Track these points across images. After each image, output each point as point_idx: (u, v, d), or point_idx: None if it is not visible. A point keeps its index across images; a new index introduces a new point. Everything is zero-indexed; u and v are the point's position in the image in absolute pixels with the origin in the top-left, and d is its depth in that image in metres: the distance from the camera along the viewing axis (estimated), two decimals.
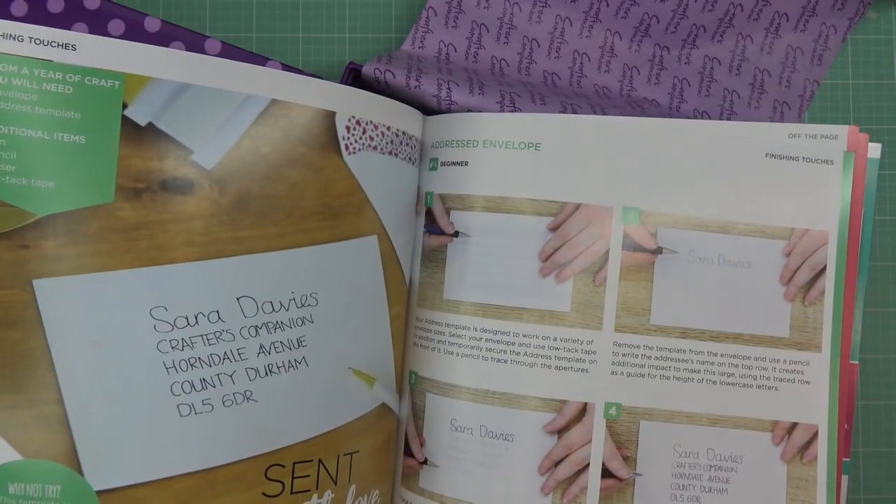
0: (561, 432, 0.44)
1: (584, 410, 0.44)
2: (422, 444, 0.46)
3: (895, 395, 0.55)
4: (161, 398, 0.38)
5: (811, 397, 0.44)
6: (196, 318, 0.39)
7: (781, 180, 0.45)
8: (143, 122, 0.38)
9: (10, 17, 0.51)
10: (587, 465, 0.44)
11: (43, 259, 0.36)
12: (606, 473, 0.44)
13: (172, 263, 0.38)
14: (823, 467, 0.44)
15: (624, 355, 0.44)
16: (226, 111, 0.40)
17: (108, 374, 0.37)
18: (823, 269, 0.45)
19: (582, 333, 0.44)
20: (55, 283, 0.37)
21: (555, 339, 0.44)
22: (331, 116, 0.42)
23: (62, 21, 0.51)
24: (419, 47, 0.54)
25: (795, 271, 0.45)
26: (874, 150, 0.45)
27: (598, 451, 0.44)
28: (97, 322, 0.37)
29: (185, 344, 0.39)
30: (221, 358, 0.39)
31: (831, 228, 0.45)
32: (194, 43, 0.51)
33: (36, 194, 0.36)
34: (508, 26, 0.55)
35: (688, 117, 0.56)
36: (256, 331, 0.40)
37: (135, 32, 0.51)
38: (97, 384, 0.37)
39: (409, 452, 0.47)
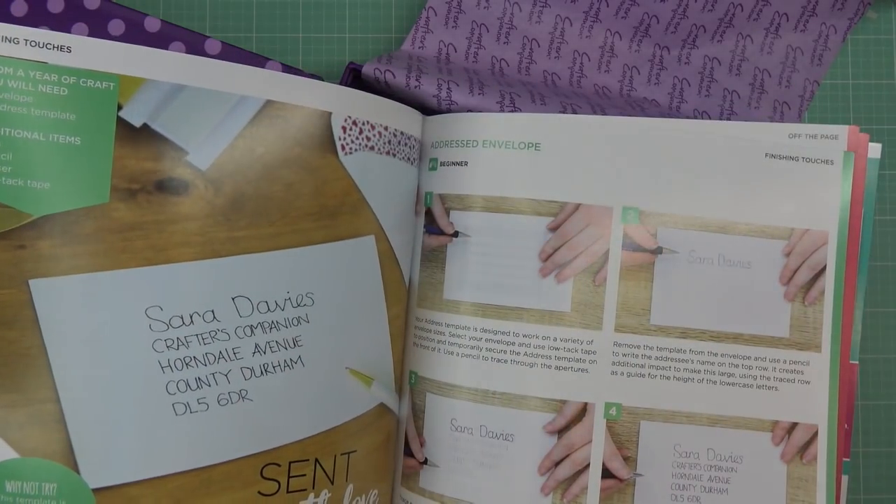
0: (561, 432, 0.44)
1: (584, 410, 0.44)
2: (422, 444, 0.46)
3: (895, 395, 0.55)
4: (156, 397, 0.38)
5: (811, 397, 0.44)
6: (191, 317, 0.39)
7: (781, 180, 0.45)
8: (138, 124, 0.38)
9: (10, 17, 0.51)
10: (587, 466, 0.44)
11: (39, 259, 0.37)
12: (607, 474, 0.44)
13: (168, 263, 0.39)
14: (823, 467, 0.44)
15: (624, 355, 0.44)
16: (221, 112, 0.40)
17: (104, 373, 0.38)
18: (823, 269, 0.45)
19: (582, 333, 0.44)
20: (51, 283, 0.37)
21: (555, 339, 0.44)
22: (326, 117, 0.42)
23: (62, 21, 0.51)
24: (419, 47, 0.54)
25: (795, 271, 0.45)
26: (874, 150, 0.45)
27: (599, 451, 0.44)
28: (93, 322, 0.37)
29: (180, 343, 0.39)
30: (216, 357, 0.40)
31: (831, 228, 0.45)
32: (194, 43, 0.51)
33: (32, 195, 0.36)
34: (508, 26, 0.55)
35: (688, 117, 0.56)
36: (252, 330, 0.40)
37: (135, 32, 0.51)
38: (93, 383, 0.37)
39: (409, 452, 0.47)
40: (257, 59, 0.51)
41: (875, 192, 0.46)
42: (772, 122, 0.56)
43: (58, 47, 0.37)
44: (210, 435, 0.39)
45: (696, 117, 0.56)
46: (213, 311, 0.39)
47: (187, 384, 0.39)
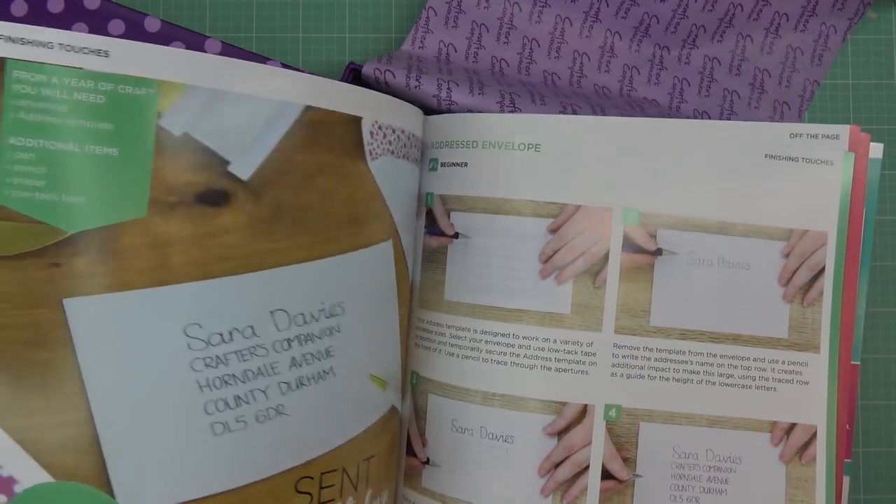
0: (561, 434, 0.44)
1: (583, 412, 0.44)
2: (424, 444, 0.46)
3: (895, 395, 0.55)
4: (194, 418, 0.37)
5: (810, 398, 0.44)
6: (231, 334, 0.38)
7: (780, 181, 0.45)
8: (178, 132, 0.36)
9: (9, 17, 0.51)
10: (587, 467, 0.44)
11: (74, 277, 0.35)
12: (606, 475, 0.44)
13: (207, 279, 0.37)
14: (822, 468, 0.44)
15: (624, 357, 0.44)
16: (262, 119, 0.38)
17: (141, 394, 0.36)
18: (822, 270, 0.45)
19: (582, 335, 0.44)
20: (86, 302, 0.35)
21: (555, 341, 0.44)
22: (357, 122, 0.41)
23: (62, 21, 0.51)
24: (419, 47, 0.54)
25: (794, 272, 0.45)
26: (876, 150, 0.45)
27: (598, 452, 0.44)
28: (129, 341, 0.36)
29: (219, 361, 0.38)
30: (255, 374, 0.38)
31: (830, 229, 0.45)
32: (194, 43, 0.51)
33: (67, 210, 0.35)
34: (508, 26, 0.55)
35: (688, 117, 0.56)
36: (289, 344, 0.39)
37: (135, 32, 0.51)
38: (129, 405, 0.36)
39: (411, 452, 0.47)
40: (257, 60, 0.51)
41: (877, 192, 0.46)
42: (772, 122, 0.56)
43: (94, 51, 0.35)
44: (248, 453, 0.38)
45: (696, 117, 0.56)
46: (252, 327, 0.38)
47: (226, 403, 0.38)
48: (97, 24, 0.51)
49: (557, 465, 0.44)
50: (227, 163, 0.37)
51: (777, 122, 0.56)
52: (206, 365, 0.37)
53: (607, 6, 0.55)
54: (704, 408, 0.44)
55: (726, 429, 0.44)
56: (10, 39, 0.34)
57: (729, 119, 0.56)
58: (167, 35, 0.51)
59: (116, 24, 0.51)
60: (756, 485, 0.44)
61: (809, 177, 0.45)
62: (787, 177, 0.45)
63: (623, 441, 0.44)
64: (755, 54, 0.56)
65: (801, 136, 0.45)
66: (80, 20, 0.51)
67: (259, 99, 0.38)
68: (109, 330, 0.35)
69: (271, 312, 0.39)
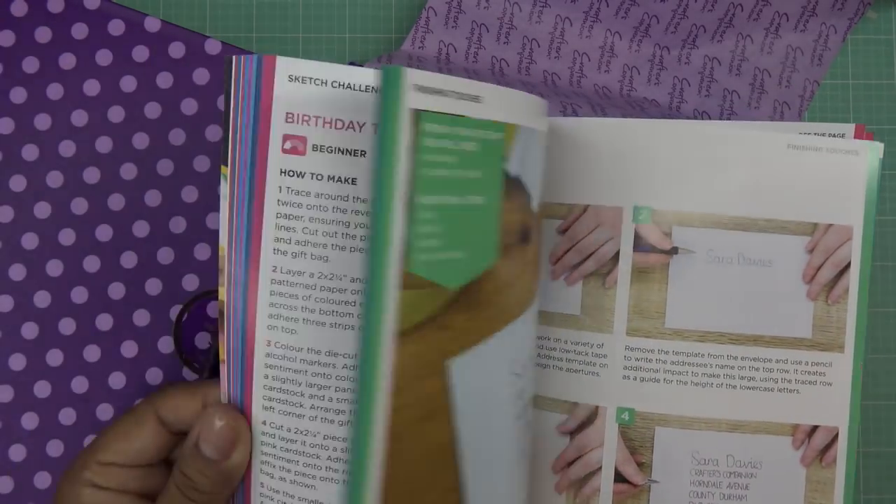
0: (573, 434, 0.43)
1: (595, 413, 0.43)
2: None
3: (895, 395, 0.55)
4: (513, 448, 0.37)
5: (832, 399, 0.44)
6: (525, 364, 0.38)
7: (803, 173, 0.44)
8: (514, 174, 0.35)
9: (9, 17, 0.50)
10: (600, 468, 0.43)
11: (456, 338, 0.33)
12: (620, 478, 0.43)
13: (521, 315, 0.37)
14: (842, 469, 0.44)
15: (637, 359, 0.43)
16: (540, 151, 0.38)
17: (493, 444, 0.35)
18: (847, 266, 0.44)
19: (592, 336, 0.44)
20: (467, 361, 0.33)
21: (566, 342, 0.44)
22: None
23: (62, 21, 0.50)
24: (419, 47, 0.54)
25: (818, 269, 0.44)
26: (878, 149, 0.45)
27: (611, 455, 0.43)
28: (484, 390, 0.35)
29: (522, 392, 0.38)
30: (529, 395, 0.39)
31: (856, 223, 0.44)
32: (194, 43, 0.51)
33: (452, 267, 0.32)
34: (508, 26, 0.54)
35: (688, 117, 0.56)
36: (533, 364, 0.41)
37: (135, 32, 0.51)
38: (487, 457, 0.35)
39: None
40: None
41: (878, 191, 0.46)
42: (772, 121, 0.56)
43: (471, 97, 0.33)
44: (526, 475, 0.40)
45: (696, 117, 0.56)
46: (538, 355, 0.39)
47: (524, 430, 0.38)
48: (97, 24, 0.51)
49: (570, 464, 0.43)
50: (532, 199, 0.37)
51: (777, 122, 0.56)
52: (518, 398, 0.37)
53: (607, 6, 0.55)
54: (725, 412, 0.43)
55: (747, 433, 0.43)
56: (423, 89, 0.31)
57: (729, 119, 0.56)
58: (167, 35, 0.51)
59: (116, 24, 0.51)
60: (776, 489, 0.43)
61: (834, 168, 0.44)
62: (811, 168, 0.44)
63: (637, 445, 0.43)
64: (755, 54, 0.57)
65: (808, 134, 0.45)
66: (79, 20, 0.51)
67: (539, 132, 0.38)
68: (475, 383, 0.34)
69: (537, 339, 0.40)
